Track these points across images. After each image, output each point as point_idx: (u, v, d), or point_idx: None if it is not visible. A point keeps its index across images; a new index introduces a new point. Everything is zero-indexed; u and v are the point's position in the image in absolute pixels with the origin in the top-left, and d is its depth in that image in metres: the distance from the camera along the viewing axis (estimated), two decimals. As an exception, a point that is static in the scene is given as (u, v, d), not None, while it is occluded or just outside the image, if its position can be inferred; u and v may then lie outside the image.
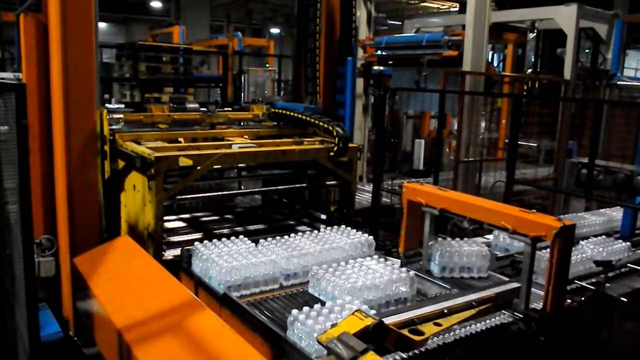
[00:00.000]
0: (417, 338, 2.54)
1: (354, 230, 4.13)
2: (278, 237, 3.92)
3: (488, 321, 3.14)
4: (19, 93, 2.94)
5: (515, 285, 3.32)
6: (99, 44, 4.24)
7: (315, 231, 4.10)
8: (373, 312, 2.78)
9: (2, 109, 2.92)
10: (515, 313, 3.22)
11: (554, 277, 3.08)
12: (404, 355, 2.70)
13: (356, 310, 2.47)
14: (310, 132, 5.26)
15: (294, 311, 2.81)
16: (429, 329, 2.67)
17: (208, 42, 16.34)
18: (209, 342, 2.55)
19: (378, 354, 2.21)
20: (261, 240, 3.86)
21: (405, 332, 2.55)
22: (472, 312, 2.97)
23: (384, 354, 2.45)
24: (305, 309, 2.80)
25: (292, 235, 3.96)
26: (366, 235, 4.04)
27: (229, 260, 3.45)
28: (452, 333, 2.96)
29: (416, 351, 2.72)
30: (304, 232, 4.06)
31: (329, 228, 4.16)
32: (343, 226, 4.19)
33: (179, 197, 4.15)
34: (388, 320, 2.54)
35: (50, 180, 4.17)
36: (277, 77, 15.71)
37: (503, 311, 3.25)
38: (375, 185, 6.08)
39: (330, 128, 4.71)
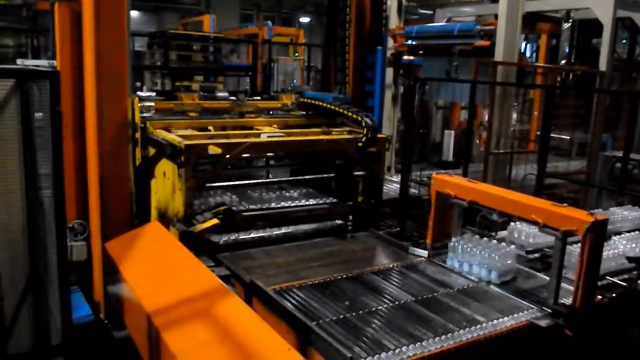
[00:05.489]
0: (259, 223, 4.23)
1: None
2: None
3: (516, 315, 3.11)
4: (53, 80, 3.00)
5: (349, 203, 4.57)
6: (130, 33, 4.30)
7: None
8: (234, 207, 4.23)
9: (37, 96, 2.98)
10: (544, 308, 3.19)
11: (584, 273, 3.03)
12: (433, 340, 2.70)
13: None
14: (338, 122, 5.24)
15: None
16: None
17: (238, 31, 16.37)
18: (235, 328, 2.58)
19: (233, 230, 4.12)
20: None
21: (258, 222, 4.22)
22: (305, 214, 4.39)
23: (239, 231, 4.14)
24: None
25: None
26: None
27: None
28: (478, 326, 2.94)
29: (446, 347, 2.72)
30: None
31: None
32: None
33: (207, 184, 4.20)
34: (247, 213, 4.21)
35: (83, 166, 4.25)
36: (307, 66, 15.66)
37: (532, 306, 3.23)
38: (403, 176, 6.06)
39: (359, 118, 4.68)
